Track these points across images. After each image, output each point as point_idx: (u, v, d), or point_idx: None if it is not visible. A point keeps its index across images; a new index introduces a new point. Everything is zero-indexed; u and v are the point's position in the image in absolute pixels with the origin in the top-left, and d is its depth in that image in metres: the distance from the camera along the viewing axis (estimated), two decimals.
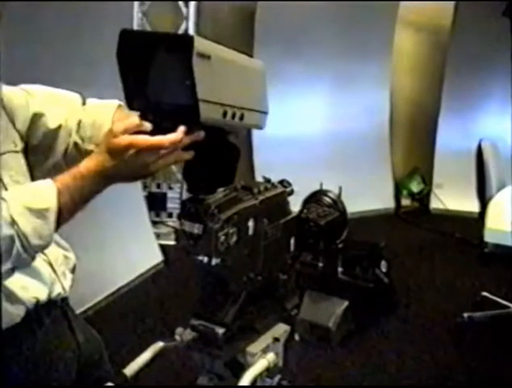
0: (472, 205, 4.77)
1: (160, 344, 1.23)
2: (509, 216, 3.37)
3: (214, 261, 1.13)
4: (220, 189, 1.18)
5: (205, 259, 1.13)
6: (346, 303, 1.44)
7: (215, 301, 1.23)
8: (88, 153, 1.33)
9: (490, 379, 3.15)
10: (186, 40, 1.03)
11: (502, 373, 3.15)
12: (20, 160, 1.37)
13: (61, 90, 1.47)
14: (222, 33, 5.20)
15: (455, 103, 5.96)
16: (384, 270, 4.12)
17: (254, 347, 1.26)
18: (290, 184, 1.34)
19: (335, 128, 5.88)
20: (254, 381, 1.19)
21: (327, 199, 1.45)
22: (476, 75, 5.76)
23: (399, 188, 6.30)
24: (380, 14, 5.59)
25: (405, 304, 3.87)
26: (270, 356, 1.25)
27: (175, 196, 5.26)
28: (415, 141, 6.48)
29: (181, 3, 5.16)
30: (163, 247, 4.69)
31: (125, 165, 1.15)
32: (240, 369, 1.23)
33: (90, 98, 1.50)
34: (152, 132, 1.13)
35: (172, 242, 4.75)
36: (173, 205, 5.21)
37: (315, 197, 1.45)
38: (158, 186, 5.27)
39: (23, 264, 1.21)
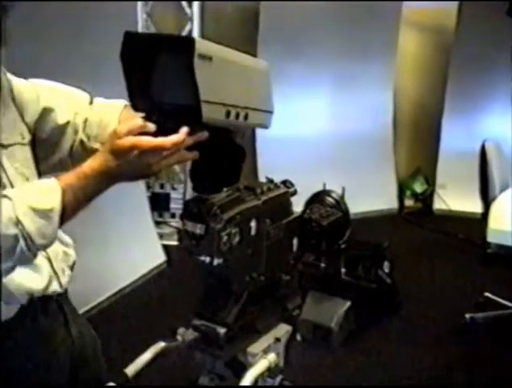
0: (475, 206, 4.77)
1: (161, 344, 1.24)
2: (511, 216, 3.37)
3: (216, 261, 1.13)
4: (224, 189, 1.19)
5: (207, 259, 1.14)
6: (348, 303, 1.43)
7: (217, 301, 1.23)
8: (93, 151, 1.35)
9: (492, 380, 3.15)
10: (188, 41, 1.05)
11: (504, 374, 3.14)
12: (27, 153, 1.38)
13: (71, 87, 1.49)
14: (225, 33, 5.21)
15: (459, 103, 5.95)
16: (386, 270, 4.14)
17: (256, 348, 1.26)
18: (292, 185, 1.35)
19: (338, 128, 5.87)
20: (256, 381, 1.19)
21: (330, 199, 1.45)
22: (479, 76, 5.75)
23: (402, 189, 6.29)
24: (384, 14, 5.59)
25: (408, 304, 3.87)
26: (272, 356, 1.25)
27: (178, 196, 5.26)
28: (418, 142, 6.47)
29: (184, 3, 5.16)
30: (166, 248, 4.70)
31: (128, 165, 1.16)
32: (241, 369, 1.23)
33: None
34: (155, 133, 1.14)
35: (175, 243, 4.75)
36: (176, 206, 5.20)
37: (318, 197, 1.46)
38: (161, 186, 5.28)
39: (25, 262, 1.22)
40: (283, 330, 1.33)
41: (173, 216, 5.22)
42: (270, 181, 1.33)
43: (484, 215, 3.62)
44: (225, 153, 1.20)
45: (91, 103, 1.48)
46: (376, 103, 5.94)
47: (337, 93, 5.87)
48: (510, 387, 3.06)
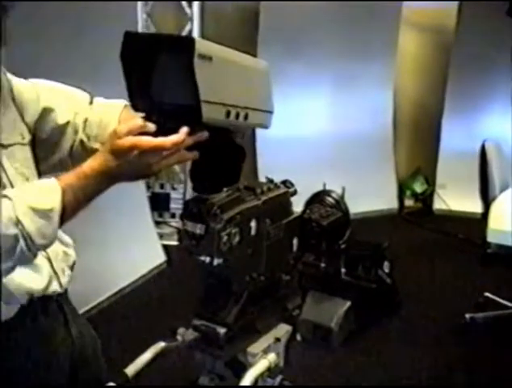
0: (475, 206, 4.77)
1: (161, 344, 1.23)
2: (511, 216, 3.37)
3: (216, 261, 1.14)
4: (224, 189, 1.19)
5: (207, 260, 1.14)
6: (348, 304, 1.43)
7: (217, 301, 1.23)
8: (93, 151, 1.35)
9: (492, 380, 3.15)
10: (188, 41, 1.05)
11: (504, 374, 3.14)
12: (27, 153, 1.38)
13: (71, 87, 1.49)
14: (225, 33, 5.21)
15: (459, 103, 5.95)
16: (386, 270, 4.14)
17: (256, 348, 1.27)
18: (292, 185, 1.35)
19: (338, 128, 5.87)
20: (256, 381, 1.19)
21: (330, 199, 1.45)
22: (479, 76, 5.75)
23: (402, 189, 6.29)
24: (384, 14, 5.59)
25: (408, 304, 3.87)
26: (272, 356, 1.25)
27: (178, 196, 5.26)
28: (418, 142, 6.47)
29: (184, 3, 5.16)
30: (166, 248, 4.70)
31: (128, 165, 1.16)
32: (241, 369, 1.23)
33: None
34: (155, 133, 1.14)
35: (175, 243, 4.75)
36: (176, 206, 5.20)
37: (318, 197, 1.46)
38: (161, 186, 5.27)
39: (25, 262, 1.22)
40: (283, 330, 1.33)
41: (173, 216, 5.22)
42: (270, 181, 1.33)
43: (484, 215, 3.62)
44: (225, 153, 1.20)
45: (91, 103, 1.48)
46: (376, 103, 5.95)
47: (337, 93, 5.87)
48: (510, 387, 3.06)
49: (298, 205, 1.40)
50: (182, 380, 2.50)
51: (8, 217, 1.12)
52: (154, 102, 1.14)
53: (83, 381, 1.52)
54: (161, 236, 4.85)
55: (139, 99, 1.15)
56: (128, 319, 3.73)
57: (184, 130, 1.12)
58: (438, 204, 6.14)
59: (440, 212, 6.09)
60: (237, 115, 1.14)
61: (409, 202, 6.31)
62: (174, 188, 5.29)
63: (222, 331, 1.20)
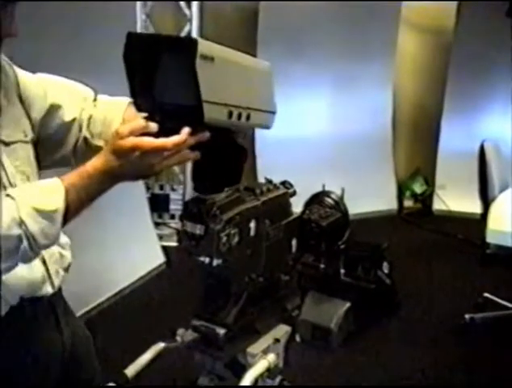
0: (474, 206, 4.76)
1: (161, 345, 1.24)
2: (511, 217, 3.37)
3: (215, 262, 1.14)
4: (225, 189, 1.19)
5: (207, 260, 1.14)
6: (347, 304, 1.43)
7: (216, 301, 1.23)
8: (97, 148, 1.36)
9: (492, 380, 3.15)
10: (190, 42, 1.05)
11: (504, 374, 3.15)
12: (29, 151, 1.38)
13: (76, 83, 1.49)
14: (225, 33, 5.20)
15: (458, 104, 5.95)
16: (386, 271, 4.14)
17: (255, 348, 1.27)
18: (292, 185, 1.35)
19: (337, 129, 5.87)
20: (255, 381, 1.19)
21: (329, 200, 1.45)
22: (479, 76, 5.75)
23: (401, 189, 6.29)
24: (383, 14, 5.59)
25: (407, 305, 3.87)
26: (271, 356, 1.25)
27: (178, 197, 5.26)
28: (418, 142, 6.47)
29: (183, 4, 5.16)
30: (165, 249, 4.70)
31: (130, 165, 1.17)
32: (240, 369, 1.23)
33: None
34: (157, 133, 1.14)
35: (174, 244, 4.75)
36: (175, 207, 5.20)
37: (317, 198, 1.46)
38: (161, 187, 5.27)
39: (26, 261, 1.22)
40: (282, 330, 1.33)
41: (172, 217, 5.22)
42: (270, 182, 1.33)
43: (484, 215, 3.62)
44: (227, 153, 1.21)
45: (95, 100, 1.48)
46: (376, 104, 5.94)
47: (336, 93, 5.86)
48: (510, 387, 3.06)
49: (297, 206, 1.40)
50: (182, 380, 2.51)
51: (11, 218, 1.12)
52: (156, 102, 1.14)
53: (75, 382, 1.51)
54: (160, 237, 4.85)
55: (141, 99, 1.16)
56: (127, 320, 3.73)
57: (186, 130, 1.13)
58: (437, 205, 6.14)
59: (439, 213, 6.09)
60: (239, 116, 1.15)
61: (408, 203, 6.31)
62: (173, 189, 5.28)
63: (221, 331, 1.20)
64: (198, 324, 1.23)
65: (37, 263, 1.35)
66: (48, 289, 1.40)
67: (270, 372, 1.25)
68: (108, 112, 1.44)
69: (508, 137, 5.19)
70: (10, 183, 1.28)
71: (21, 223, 1.13)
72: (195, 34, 5.12)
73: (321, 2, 5.32)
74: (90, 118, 1.44)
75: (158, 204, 5.17)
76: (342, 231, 1.43)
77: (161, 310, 3.84)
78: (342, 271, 3.42)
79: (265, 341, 1.29)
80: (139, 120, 1.16)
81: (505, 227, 3.41)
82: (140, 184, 4.38)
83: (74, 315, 1.59)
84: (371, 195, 5.70)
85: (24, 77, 1.38)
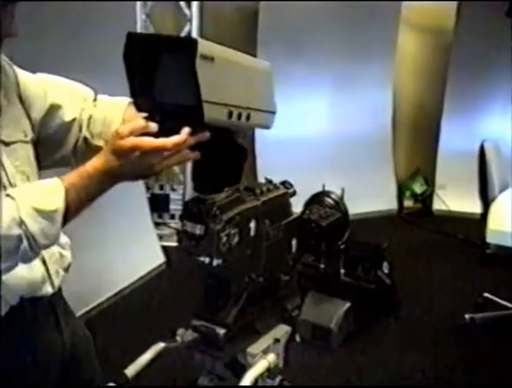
0: (474, 206, 4.77)
1: (161, 345, 1.24)
2: (511, 217, 3.37)
3: (215, 262, 1.14)
4: (225, 189, 1.19)
5: (207, 260, 1.14)
6: (347, 304, 1.43)
7: (216, 301, 1.23)
8: (97, 148, 1.36)
9: (492, 380, 3.15)
10: (190, 42, 1.05)
11: (504, 374, 3.15)
12: (29, 151, 1.38)
13: (76, 83, 1.49)
14: (224, 34, 5.20)
15: (458, 104, 5.95)
16: (386, 271, 4.14)
17: (255, 348, 1.27)
18: (292, 185, 1.35)
19: (337, 129, 5.87)
20: (255, 381, 1.19)
21: (329, 200, 1.45)
22: (479, 76, 5.75)
23: (401, 189, 6.29)
24: (383, 14, 5.59)
25: (407, 305, 3.87)
26: (271, 356, 1.25)
27: (178, 197, 5.26)
28: (418, 142, 6.47)
29: (183, 4, 5.16)
30: (165, 249, 4.70)
31: (130, 165, 1.17)
32: (240, 369, 1.23)
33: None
34: (158, 133, 1.14)
35: (174, 244, 4.75)
36: (175, 207, 5.20)
37: (317, 198, 1.46)
38: (161, 187, 5.27)
39: (26, 261, 1.22)
40: (282, 330, 1.33)
41: (172, 217, 5.22)
42: (270, 182, 1.33)
43: (484, 215, 3.62)
44: (227, 153, 1.21)
45: (95, 99, 1.48)
46: (376, 104, 5.94)
47: (336, 93, 5.86)
48: (510, 387, 3.06)
49: (297, 206, 1.40)
50: (182, 380, 2.51)
51: (11, 218, 1.12)
52: (156, 102, 1.14)
53: (75, 382, 1.51)
54: (160, 237, 4.85)
55: (141, 99, 1.16)
56: (127, 320, 3.73)
57: (186, 131, 1.13)
58: (437, 205, 6.14)
59: (439, 213, 6.09)
60: (239, 116, 1.15)
61: (408, 203, 6.31)
62: (173, 189, 5.28)
63: (221, 331, 1.20)
64: (198, 324, 1.23)
65: (37, 263, 1.35)
66: (48, 289, 1.40)
67: (270, 372, 1.25)
68: (108, 112, 1.44)
69: (508, 137, 5.19)
70: (10, 183, 1.28)
71: (21, 223, 1.13)
72: (195, 34, 5.12)
73: (321, 2, 5.32)
74: (90, 118, 1.44)
75: (158, 204, 5.17)
76: (342, 231, 1.43)
77: (161, 310, 3.84)
78: (342, 271, 3.42)
79: (265, 341, 1.29)
80: (139, 120, 1.16)
81: (505, 227, 3.41)
82: (140, 184, 4.38)
83: (74, 315, 1.59)
84: (371, 195, 5.70)
85: (24, 77, 1.38)
